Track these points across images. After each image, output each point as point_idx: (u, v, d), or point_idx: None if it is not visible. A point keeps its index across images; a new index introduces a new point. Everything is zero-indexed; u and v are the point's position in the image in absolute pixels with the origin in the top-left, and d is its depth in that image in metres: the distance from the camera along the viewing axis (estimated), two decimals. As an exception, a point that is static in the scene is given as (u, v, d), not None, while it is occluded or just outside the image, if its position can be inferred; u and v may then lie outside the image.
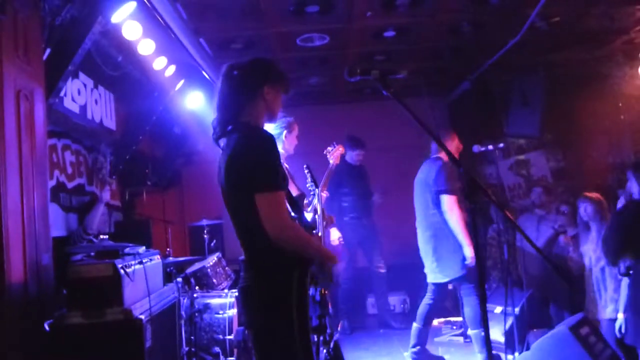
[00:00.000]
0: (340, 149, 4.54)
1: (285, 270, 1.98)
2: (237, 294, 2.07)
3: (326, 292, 2.14)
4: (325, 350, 2.03)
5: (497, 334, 4.73)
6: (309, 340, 1.86)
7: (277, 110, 2.26)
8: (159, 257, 3.31)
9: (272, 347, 2.00)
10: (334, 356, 2.11)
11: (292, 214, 2.16)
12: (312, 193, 2.67)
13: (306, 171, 2.83)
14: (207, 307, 4.59)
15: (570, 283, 1.95)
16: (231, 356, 4.42)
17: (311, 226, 2.29)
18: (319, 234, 2.35)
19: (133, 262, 2.84)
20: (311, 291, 1.98)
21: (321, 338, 1.99)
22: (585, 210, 4.20)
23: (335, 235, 5.62)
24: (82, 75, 4.36)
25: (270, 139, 2.02)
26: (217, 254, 5.06)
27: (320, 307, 2.06)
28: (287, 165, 3.77)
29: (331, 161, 4.45)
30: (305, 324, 1.85)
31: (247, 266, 2.07)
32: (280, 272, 1.99)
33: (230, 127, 2.11)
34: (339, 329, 2.24)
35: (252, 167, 1.96)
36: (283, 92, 2.27)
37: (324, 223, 3.30)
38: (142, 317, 2.68)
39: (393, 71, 1.97)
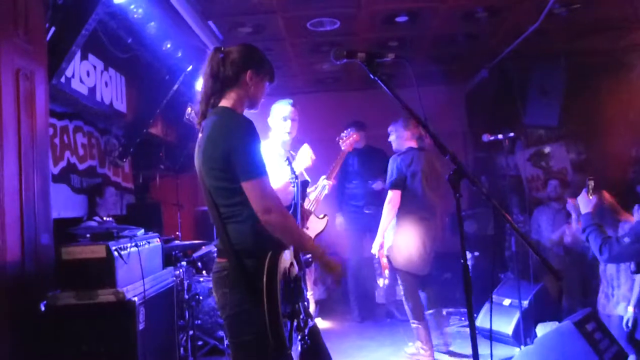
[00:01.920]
0: (353, 136, 4.40)
1: (255, 256, 1.96)
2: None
3: (300, 277, 2.12)
4: (299, 337, 2.00)
5: (505, 327, 4.66)
6: (281, 326, 1.84)
7: (260, 98, 2.22)
8: (158, 240, 3.31)
9: (243, 332, 1.98)
10: (311, 343, 2.08)
11: None
12: (292, 186, 2.63)
13: (286, 162, 2.78)
14: (211, 291, 4.62)
15: (559, 278, 1.89)
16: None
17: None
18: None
19: (128, 245, 2.84)
20: (284, 276, 1.96)
21: (295, 324, 1.96)
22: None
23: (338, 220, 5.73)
24: (91, 57, 4.37)
25: (248, 124, 2.00)
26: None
27: (294, 292, 2.03)
28: (293, 153, 3.72)
29: (343, 148, 4.33)
30: (276, 310, 1.83)
31: (218, 252, 2.07)
32: (251, 257, 1.97)
33: (210, 110, 2.10)
34: (314, 315, 2.23)
35: (232, 154, 1.95)
36: (267, 80, 2.23)
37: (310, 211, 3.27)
38: (135, 299, 2.69)
39: (380, 54, 1.90)
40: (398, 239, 4.40)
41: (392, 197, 4.39)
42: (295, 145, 3.73)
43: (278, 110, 3.55)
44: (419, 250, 4.38)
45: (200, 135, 2.10)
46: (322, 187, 3.63)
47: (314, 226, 3.35)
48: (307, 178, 3.48)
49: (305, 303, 2.16)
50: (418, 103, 1.91)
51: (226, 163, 1.95)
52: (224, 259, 2.03)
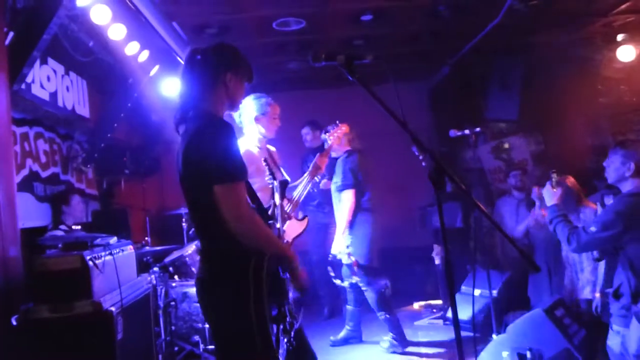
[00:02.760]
0: (342, 129, 4.19)
1: (241, 260, 1.94)
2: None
3: (285, 279, 2.11)
4: (285, 339, 2.00)
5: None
6: (268, 330, 1.83)
7: (239, 99, 2.20)
8: (131, 247, 3.25)
9: (230, 339, 1.97)
10: (297, 345, 2.09)
11: (251, 205, 2.13)
12: (270, 186, 2.62)
13: (264, 164, 2.77)
14: (185, 295, 4.56)
15: (535, 268, 1.96)
16: (211, 345, 4.40)
17: (269, 216, 2.24)
18: (277, 225, 2.30)
19: (103, 254, 2.78)
20: (270, 279, 1.95)
21: (281, 327, 1.96)
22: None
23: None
24: (51, 61, 4.24)
25: (228, 129, 1.98)
26: (196, 242, 5.01)
27: (280, 295, 2.03)
28: (272, 148, 3.69)
29: (329, 142, 4.17)
30: (263, 313, 1.83)
31: (203, 257, 2.04)
32: (236, 262, 1.95)
33: (189, 114, 2.06)
34: (299, 316, 2.23)
35: (209, 157, 1.92)
36: (246, 80, 2.21)
37: (288, 212, 3.24)
38: (113, 309, 2.63)
39: (359, 56, 1.92)
40: (358, 235, 4.55)
41: (352, 197, 4.54)
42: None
43: (259, 107, 3.47)
44: (374, 243, 4.60)
45: (180, 139, 2.07)
46: (307, 181, 3.60)
47: (292, 228, 3.32)
48: (287, 177, 3.46)
49: (291, 305, 2.16)
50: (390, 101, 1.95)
51: (206, 169, 1.93)
52: (208, 262, 2.00)
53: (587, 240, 3.09)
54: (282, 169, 3.53)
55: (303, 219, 3.40)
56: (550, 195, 3.47)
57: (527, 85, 6.26)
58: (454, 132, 4.31)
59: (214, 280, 1.98)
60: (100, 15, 3.76)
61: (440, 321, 5.41)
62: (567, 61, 6.10)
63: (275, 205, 2.40)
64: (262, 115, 3.46)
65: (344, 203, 4.55)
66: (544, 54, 6.13)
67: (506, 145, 7.05)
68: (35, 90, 3.99)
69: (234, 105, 2.19)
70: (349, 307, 4.92)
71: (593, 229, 3.06)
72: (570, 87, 6.05)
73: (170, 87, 5.25)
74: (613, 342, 3.05)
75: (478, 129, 4.21)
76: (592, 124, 6.56)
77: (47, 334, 2.54)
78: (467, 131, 4.22)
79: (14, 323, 2.59)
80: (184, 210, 5.43)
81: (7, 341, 2.59)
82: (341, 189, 4.58)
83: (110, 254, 2.84)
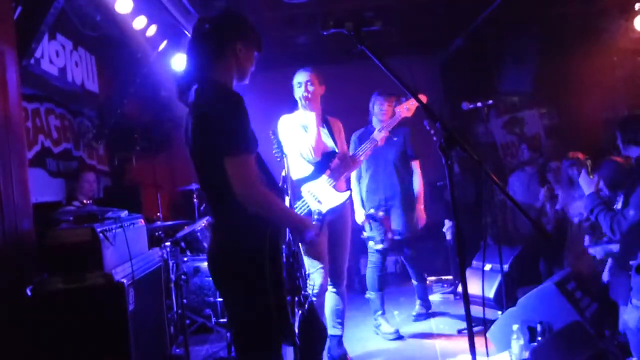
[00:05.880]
0: (414, 101, 3.74)
1: (256, 231, 1.91)
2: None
3: (297, 252, 2.10)
4: (300, 312, 1.99)
5: (487, 291, 4.78)
6: (285, 303, 1.81)
7: (249, 69, 2.13)
8: (142, 221, 3.27)
9: (246, 312, 1.94)
10: (308, 317, 2.08)
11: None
12: (278, 159, 2.59)
13: (272, 136, 2.72)
14: (197, 270, 4.62)
15: (550, 241, 1.93)
16: (222, 318, 4.46)
17: (280, 189, 2.22)
18: (287, 197, 2.27)
19: (113, 227, 2.80)
20: (284, 251, 1.93)
21: (296, 299, 1.95)
22: (571, 169, 4.18)
23: None
24: (59, 37, 4.23)
25: (237, 100, 1.92)
26: (207, 217, 5.04)
27: (293, 267, 2.01)
28: (336, 121, 3.65)
29: (400, 113, 3.84)
30: (280, 285, 1.81)
31: (216, 229, 2.01)
32: (251, 233, 1.92)
33: (197, 86, 2.01)
34: (313, 290, 2.23)
35: (219, 129, 1.88)
36: (255, 49, 2.13)
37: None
38: (124, 280, 2.66)
39: (368, 23, 1.88)
40: None
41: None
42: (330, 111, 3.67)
43: (294, 78, 3.49)
44: None
45: (188, 111, 2.03)
46: (371, 140, 3.57)
47: (331, 199, 3.28)
48: (336, 149, 3.45)
49: (305, 277, 2.14)
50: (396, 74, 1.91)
51: (216, 141, 1.89)
52: (221, 236, 1.98)
53: (628, 227, 3.00)
54: (335, 141, 3.52)
55: (344, 191, 3.36)
56: (587, 183, 3.34)
57: (542, 57, 6.14)
58: (466, 105, 4.23)
59: (227, 253, 1.95)
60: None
61: (451, 296, 5.43)
62: (583, 33, 5.95)
63: (284, 177, 2.39)
64: (298, 86, 3.47)
65: (417, 173, 4.64)
66: (560, 25, 5.98)
67: (520, 117, 6.94)
68: (45, 65, 3.99)
69: (243, 75, 2.12)
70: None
71: (632, 212, 2.97)
72: (585, 59, 5.92)
73: (179, 63, 5.23)
74: (630, 316, 2.97)
75: (491, 102, 4.12)
76: (607, 96, 6.43)
77: (60, 305, 2.58)
78: (479, 104, 4.14)
79: (29, 294, 2.64)
80: (195, 186, 5.46)
81: (22, 311, 2.64)
82: (414, 157, 4.64)
83: (121, 226, 2.86)
